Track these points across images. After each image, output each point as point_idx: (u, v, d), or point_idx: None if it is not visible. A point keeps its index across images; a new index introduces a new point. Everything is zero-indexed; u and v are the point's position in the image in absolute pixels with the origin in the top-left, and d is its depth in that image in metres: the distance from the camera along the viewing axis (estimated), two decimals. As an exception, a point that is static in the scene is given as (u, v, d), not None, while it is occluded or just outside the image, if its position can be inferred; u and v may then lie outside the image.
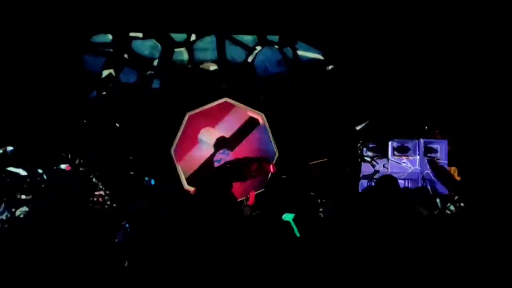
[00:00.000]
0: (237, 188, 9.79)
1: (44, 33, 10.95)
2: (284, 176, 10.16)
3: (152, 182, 9.81)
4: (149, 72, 11.69)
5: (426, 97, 11.40)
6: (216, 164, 10.68)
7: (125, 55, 11.62)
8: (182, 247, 4.62)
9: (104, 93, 11.28)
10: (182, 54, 11.96)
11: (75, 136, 10.93)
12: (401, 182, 10.95)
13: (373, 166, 11.43)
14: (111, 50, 11.63)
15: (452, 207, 10.13)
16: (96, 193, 10.02)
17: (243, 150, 11.21)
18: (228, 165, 10.08)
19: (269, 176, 10.45)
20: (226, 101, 11.51)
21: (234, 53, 11.89)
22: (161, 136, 11.35)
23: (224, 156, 10.96)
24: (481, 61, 11.20)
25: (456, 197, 9.98)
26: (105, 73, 11.55)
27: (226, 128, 11.50)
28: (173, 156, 11.29)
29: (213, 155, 10.80)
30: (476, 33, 11.01)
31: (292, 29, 11.60)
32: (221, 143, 11.26)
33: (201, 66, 11.52)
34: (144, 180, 9.98)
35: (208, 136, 11.29)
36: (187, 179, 10.97)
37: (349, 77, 11.34)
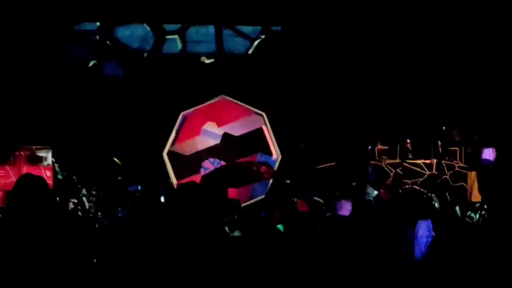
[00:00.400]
0: (232, 193, 9.39)
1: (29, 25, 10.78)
2: (288, 181, 9.78)
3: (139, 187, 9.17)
4: (137, 65, 11.39)
5: (444, 95, 11.14)
6: (202, 171, 10.31)
7: (108, 42, 11.38)
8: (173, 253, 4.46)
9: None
10: (175, 46, 11.63)
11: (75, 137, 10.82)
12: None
13: (385, 170, 11.03)
14: (97, 37, 11.36)
15: (473, 215, 9.49)
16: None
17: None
18: (222, 170, 9.76)
19: (269, 182, 10.16)
20: (223, 99, 11.11)
21: (233, 44, 11.64)
22: (151, 137, 11.06)
23: (213, 166, 10.60)
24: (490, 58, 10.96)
25: (479, 205, 9.28)
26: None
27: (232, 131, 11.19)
28: (166, 160, 10.94)
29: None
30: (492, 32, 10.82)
31: (295, 21, 11.45)
32: (227, 142, 10.90)
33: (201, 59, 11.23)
34: (131, 187, 9.42)
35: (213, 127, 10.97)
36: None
37: (363, 77, 11.23)
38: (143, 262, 4.51)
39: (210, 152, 10.85)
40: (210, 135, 10.86)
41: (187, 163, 10.76)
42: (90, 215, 9.12)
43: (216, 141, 10.84)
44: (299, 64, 11.41)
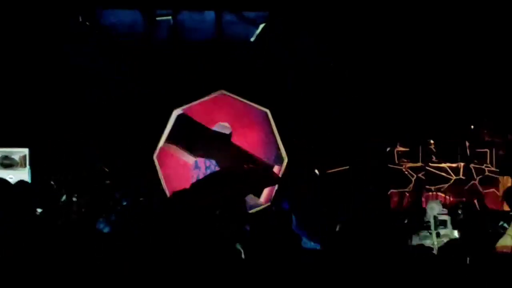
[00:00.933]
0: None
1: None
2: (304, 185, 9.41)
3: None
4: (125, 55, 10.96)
5: (472, 90, 10.75)
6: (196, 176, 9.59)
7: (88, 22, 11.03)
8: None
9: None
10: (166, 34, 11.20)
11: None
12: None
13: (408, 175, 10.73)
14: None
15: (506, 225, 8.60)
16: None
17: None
18: (220, 174, 8.62)
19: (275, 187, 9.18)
20: (223, 94, 9.94)
21: (233, 31, 11.27)
22: (140, 138, 10.41)
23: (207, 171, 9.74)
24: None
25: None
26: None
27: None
28: (157, 163, 9.75)
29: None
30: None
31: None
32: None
33: None
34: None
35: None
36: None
37: (382, 71, 11.02)
38: (131, 273, 4.63)
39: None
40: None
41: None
42: (71, 223, 8.18)
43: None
44: (300, 63, 11.14)
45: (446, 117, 10.77)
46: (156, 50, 11.01)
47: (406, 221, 7.80)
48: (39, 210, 6.78)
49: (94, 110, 10.53)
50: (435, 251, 6.58)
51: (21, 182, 6.85)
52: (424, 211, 8.03)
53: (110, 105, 10.50)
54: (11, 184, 6.38)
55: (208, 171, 9.58)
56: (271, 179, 8.70)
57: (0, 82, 10.63)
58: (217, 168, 9.47)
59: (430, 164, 10.61)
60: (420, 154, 10.76)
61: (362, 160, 10.53)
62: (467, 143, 10.68)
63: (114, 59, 10.87)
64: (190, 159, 10.01)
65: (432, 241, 7.05)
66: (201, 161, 9.96)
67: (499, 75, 10.64)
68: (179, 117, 9.84)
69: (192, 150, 10.02)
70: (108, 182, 9.69)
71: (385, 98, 10.81)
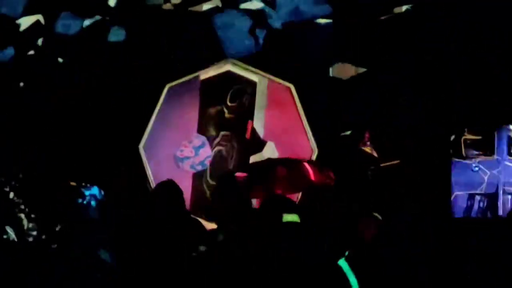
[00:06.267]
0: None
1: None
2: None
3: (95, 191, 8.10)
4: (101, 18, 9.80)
5: None
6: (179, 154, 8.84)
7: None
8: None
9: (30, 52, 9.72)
10: None
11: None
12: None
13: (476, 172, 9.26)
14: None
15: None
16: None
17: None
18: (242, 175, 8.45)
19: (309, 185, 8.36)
20: (231, 63, 9.04)
21: None
22: (123, 123, 9.32)
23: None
24: None
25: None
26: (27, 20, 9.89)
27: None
28: (142, 155, 8.99)
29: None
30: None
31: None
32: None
33: None
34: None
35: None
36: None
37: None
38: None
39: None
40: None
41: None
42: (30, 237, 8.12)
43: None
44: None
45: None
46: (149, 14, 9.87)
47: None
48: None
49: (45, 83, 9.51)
50: None
51: None
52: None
53: (77, 76, 9.41)
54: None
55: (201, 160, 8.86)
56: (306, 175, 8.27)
57: None
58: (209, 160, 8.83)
59: (509, 157, 9.08)
60: (496, 144, 9.12)
61: (418, 152, 9.15)
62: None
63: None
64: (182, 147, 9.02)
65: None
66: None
67: None
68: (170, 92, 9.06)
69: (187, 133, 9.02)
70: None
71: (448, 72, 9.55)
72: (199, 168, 8.82)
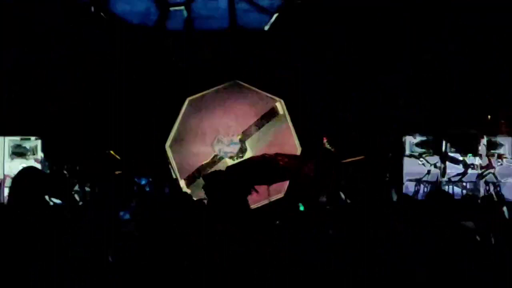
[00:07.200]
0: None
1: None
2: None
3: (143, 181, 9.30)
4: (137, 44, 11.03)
5: (489, 81, 10.80)
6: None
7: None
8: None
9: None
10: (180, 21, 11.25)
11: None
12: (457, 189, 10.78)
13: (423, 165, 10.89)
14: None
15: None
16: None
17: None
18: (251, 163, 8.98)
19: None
20: (236, 83, 10.77)
21: (247, 20, 11.24)
22: (153, 127, 10.75)
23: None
24: None
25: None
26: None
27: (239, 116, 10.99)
28: (169, 153, 10.60)
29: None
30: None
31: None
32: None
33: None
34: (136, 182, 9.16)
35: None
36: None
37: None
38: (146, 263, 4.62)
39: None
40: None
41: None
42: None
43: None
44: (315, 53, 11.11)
45: (463, 108, 10.79)
46: (169, 39, 11.20)
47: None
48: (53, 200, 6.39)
49: (107, 98, 10.76)
50: None
51: (28, 168, 6.73)
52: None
53: (123, 93, 10.74)
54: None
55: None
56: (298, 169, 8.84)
57: (14, 71, 10.71)
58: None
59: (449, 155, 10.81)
60: (438, 144, 10.83)
61: (378, 151, 10.66)
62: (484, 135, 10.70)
63: (126, 47, 11.10)
64: (202, 147, 10.72)
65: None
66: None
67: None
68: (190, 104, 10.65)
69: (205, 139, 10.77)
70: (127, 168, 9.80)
71: (402, 88, 10.91)
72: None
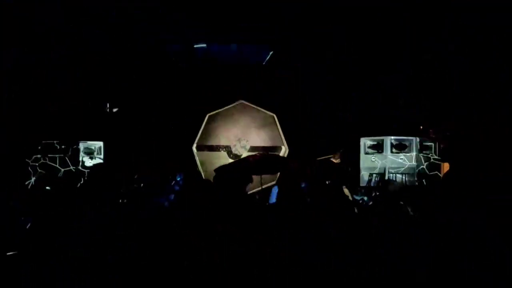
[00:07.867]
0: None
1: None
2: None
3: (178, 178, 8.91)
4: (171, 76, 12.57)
5: (422, 98, 11.08)
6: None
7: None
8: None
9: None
10: (201, 58, 12.65)
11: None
12: (399, 176, 11.47)
13: (373, 161, 11.95)
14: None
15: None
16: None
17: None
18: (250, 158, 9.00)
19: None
20: (241, 103, 12.59)
21: (251, 57, 12.43)
22: (183, 133, 12.20)
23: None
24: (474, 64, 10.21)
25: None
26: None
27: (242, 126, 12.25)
28: (195, 152, 12.46)
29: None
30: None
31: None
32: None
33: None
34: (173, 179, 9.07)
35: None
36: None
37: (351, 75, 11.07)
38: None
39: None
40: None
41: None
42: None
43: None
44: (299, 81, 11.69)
45: (404, 119, 11.38)
46: (194, 70, 12.69)
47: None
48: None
49: (150, 114, 11.96)
50: None
51: (99, 164, 8.17)
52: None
53: (162, 110, 12.17)
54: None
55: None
56: (284, 164, 9.23)
57: (14, 71, 10.41)
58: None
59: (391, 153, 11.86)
60: (384, 146, 11.89)
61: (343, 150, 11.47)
62: (417, 139, 11.69)
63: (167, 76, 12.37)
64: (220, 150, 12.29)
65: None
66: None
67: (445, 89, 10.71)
68: (210, 119, 12.36)
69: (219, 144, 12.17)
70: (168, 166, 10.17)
71: (361, 105, 11.56)
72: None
